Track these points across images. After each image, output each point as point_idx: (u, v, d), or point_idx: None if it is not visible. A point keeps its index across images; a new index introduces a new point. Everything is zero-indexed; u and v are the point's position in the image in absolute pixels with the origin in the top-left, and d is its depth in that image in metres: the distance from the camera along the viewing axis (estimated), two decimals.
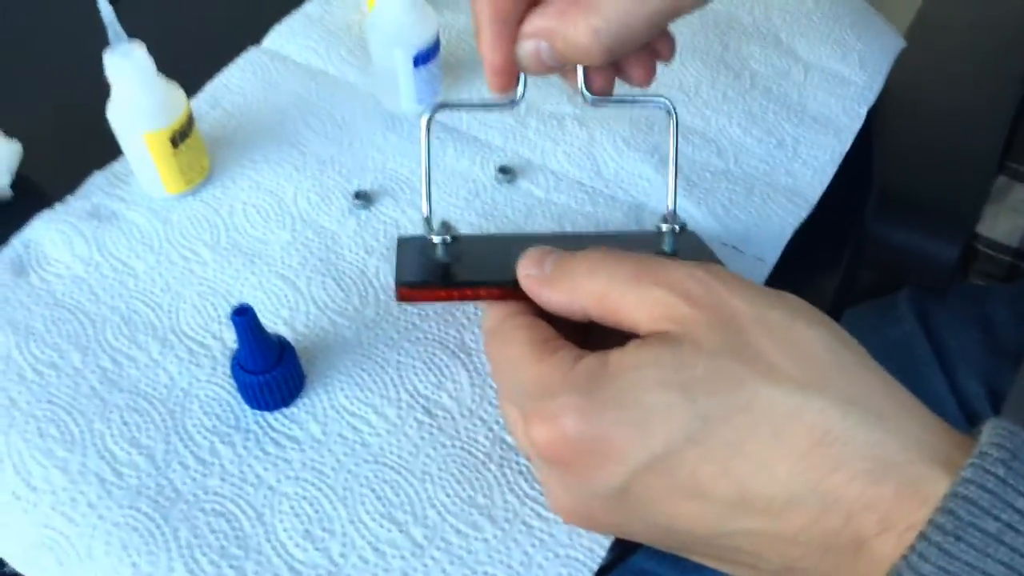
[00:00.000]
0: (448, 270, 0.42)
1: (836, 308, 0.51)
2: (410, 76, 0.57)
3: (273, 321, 0.49)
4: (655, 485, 0.32)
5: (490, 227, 0.53)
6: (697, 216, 0.54)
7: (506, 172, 0.55)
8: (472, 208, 0.54)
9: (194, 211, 0.54)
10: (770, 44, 0.64)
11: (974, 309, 0.74)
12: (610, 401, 0.32)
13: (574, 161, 0.57)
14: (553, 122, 0.59)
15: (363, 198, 0.54)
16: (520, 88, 0.40)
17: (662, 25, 0.37)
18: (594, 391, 0.32)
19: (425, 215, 0.42)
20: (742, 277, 0.34)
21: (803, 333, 0.32)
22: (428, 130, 0.41)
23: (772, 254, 0.52)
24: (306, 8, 0.66)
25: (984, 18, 0.79)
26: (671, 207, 0.43)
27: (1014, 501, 0.28)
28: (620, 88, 0.41)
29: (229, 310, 0.49)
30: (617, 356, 0.33)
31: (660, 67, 0.41)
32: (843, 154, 0.57)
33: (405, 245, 0.45)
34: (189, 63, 0.62)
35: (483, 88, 0.61)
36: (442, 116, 0.59)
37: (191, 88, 0.60)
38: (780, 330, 0.32)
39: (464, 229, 0.53)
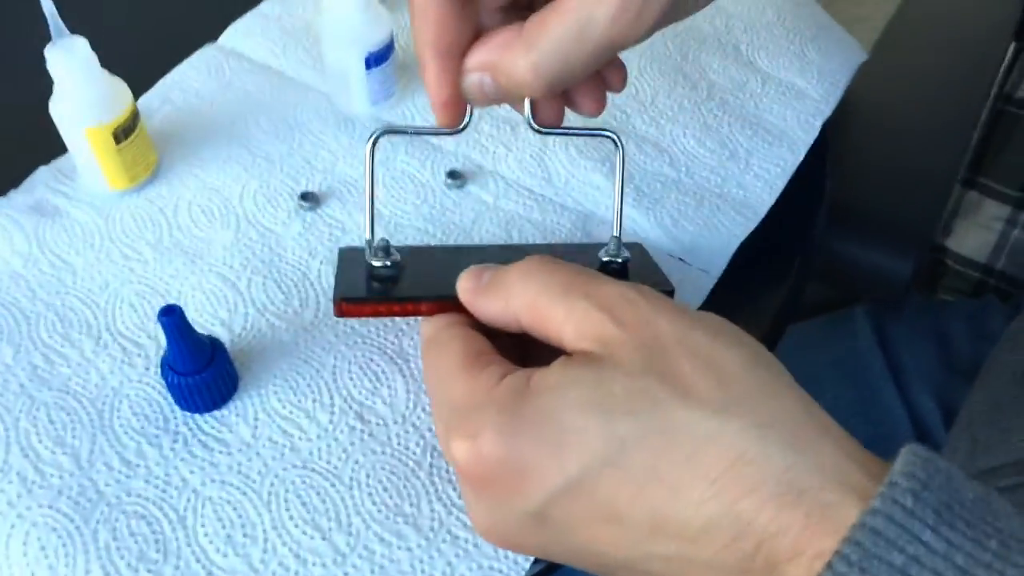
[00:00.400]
0: (388, 284, 0.42)
1: (780, 323, 0.51)
2: (363, 77, 0.57)
3: (210, 322, 0.48)
4: (572, 509, 0.32)
5: (437, 232, 0.53)
6: (645, 226, 0.53)
7: (455, 177, 0.55)
8: (420, 213, 0.54)
9: (138, 208, 0.53)
10: (730, 55, 0.64)
11: (931, 324, 0.74)
12: (528, 421, 0.32)
13: (526, 168, 0.56)
14: (507, 128, 0.58)
15: (310, 199, 0.54)
16: (466, 116, 0.40)
17: (604, 59, 0.37)
18: (514, 410, 0.32)
19: (367, 239, 0.42)
20: (670, 299, 0.34)
21: (724, 354, 0.32)
22: (372, 155, 0.41)
23: (717, 266, 0.52)
24: (263, 7, 0.66)
25: (955, 35, 0.79)
26: (616, 234, 0.43)
27: (920, 533, 0.28)
28: (569, 117, 0.41)
29: None
30: (540, 375, 0.33)
31: None
32: (795, 166, 0.57)
33: (346, 257, 0.45)
34: (143, 60, 0.62)
35: None
36: (394, 117, 0.59)
37: (143, 86, 0.60)
38: (702, 352, 0.32)
39: (410, 234, 0.53)
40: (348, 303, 0.41)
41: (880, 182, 0.64)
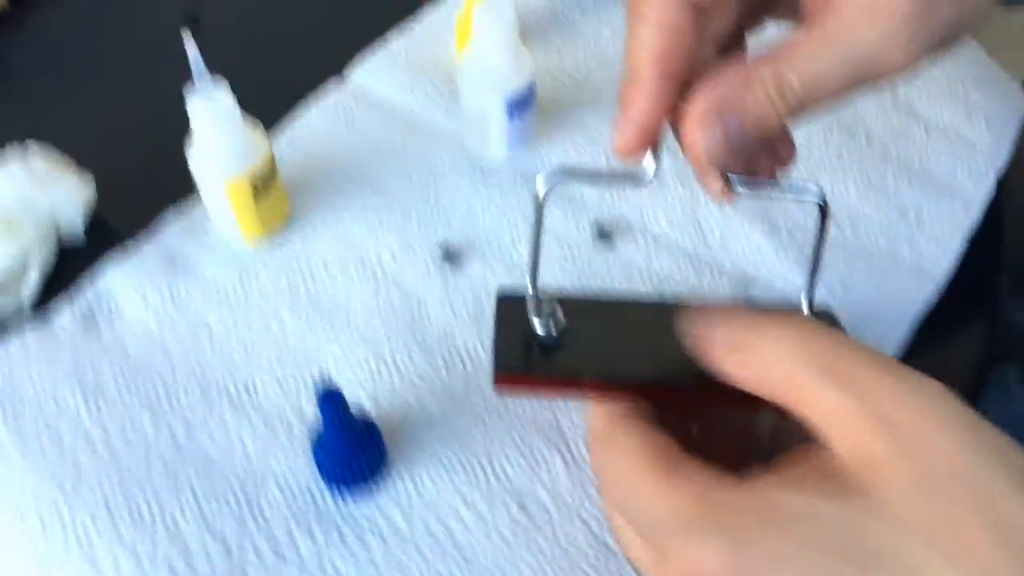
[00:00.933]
0: (556, 353, 0.38)
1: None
2: (503, 124, 0.53)
3: (355, 392, 0.46)
4: None
5: None
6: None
7: (604, 235, 0.52)
8: (566, 272, 0.51)
9: (273, 264, 0.51)
10: (887, 100, 0.59)
11: None
12: (765, 559, 0.28)
13: (676, 224, 0.53)
14: (654, 181, 0.55)
15: (450, 255, 0.51)
16: (653, 163, 0.35)
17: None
18: (744, 542, 0.28)
19: (530, 295, 0.39)
20: (953, 398, 0.28)
21: (1018, 503, 0.26)
22: (542, 204, 0.36)
23: (892, 340, 0.48)
24: (390, 45, 0.63)
25: None
26: (806, 310, 0.39)
27: None
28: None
29: (309, 379, 0.46)
30: (774, 495, 0.28)
31: None
32: (971, 227, 0.53)
33: (506, 310, 0.39)
34: (265, 95, 0.59)
35: (577, 136, 0.57)
36: (532, 165, 0.56)
37: (268, 123, 0.57)
38: (994, 502, 0.26)
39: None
40: (509, 375, 0.36)
41: None
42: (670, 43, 0.33)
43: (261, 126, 0.49)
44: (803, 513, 0.28)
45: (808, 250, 0.51)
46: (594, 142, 0.57)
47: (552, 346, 0.38)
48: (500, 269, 0.51)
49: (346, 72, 0.61)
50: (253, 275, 0.50)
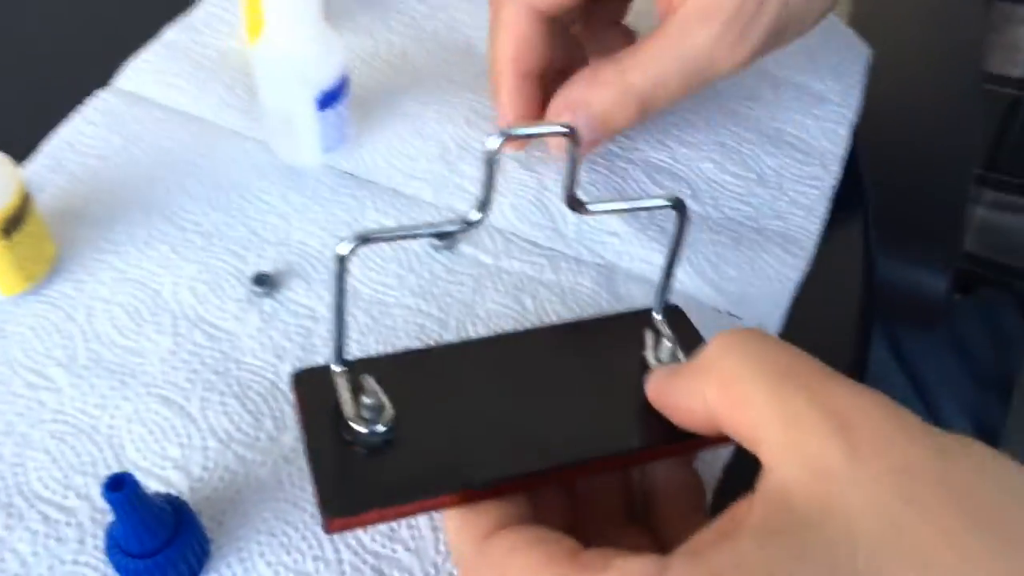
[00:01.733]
0: (392, 459, 0.29)
1: (859, 375, 0.43)
2: (314, 121, 0.45)
3: (159, 466, 0.37)
4: None
5: (432, 309, 0.42)
6: (681, 277, 0.44)
7: (443, 236, 0.45)
8: (405, 286, 0.43)
9: (38, 318, 0.41)
10: None
11: (945, 331, 0.68)
12: None
13: (525, 216, 0.46)
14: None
15: (265, 282, 0.42)
16: (479, 213, 0.29)
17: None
18: None
19: (340, 382, 0.31)
20: (912, 415, 0.24)
21: (1001, 500, 0.23)
22: (343, 271, 0.30)
23: (775, 317, 0.43)
24: (166, 36, 0.53)
25: (923, 17, 0.73)
26: (658, 316, 0.35)
27: None
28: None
29: (96, 455, 0.37)
30: (729, 555, 0.23)
31: None
32: (833, 186, 0.49)
33: (312, 406, 0.31)
34: (14, 119, 0.49)
35: (401, 127, 0.50)
36: (353, 166, 0.48)
37: (21, 152, 0.47)
38: (972, 499, 0.23)
39: (399, 315, 0.42)
40: (343, 521, 0.28)
41: (899, 191, 0.56)
42: (521, 48, 0.39)
43: (4, 156, 0.39)
44: (758, 567, 0.22)
45: (671, 228, 0.46)
46: (420, 133, 0.49)
47: (382, 450, 0.29)
48: (324, 290, 0.43)
49: (115, 79, 0.51)
50: (12, 334, 0.40)
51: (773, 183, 0.49)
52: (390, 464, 0.29)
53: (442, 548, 0.35)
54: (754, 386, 0.25)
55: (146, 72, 0.51)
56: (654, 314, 0.36)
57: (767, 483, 0.24)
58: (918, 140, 0.60)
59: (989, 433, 0.62)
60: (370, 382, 0.30)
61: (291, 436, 0.38)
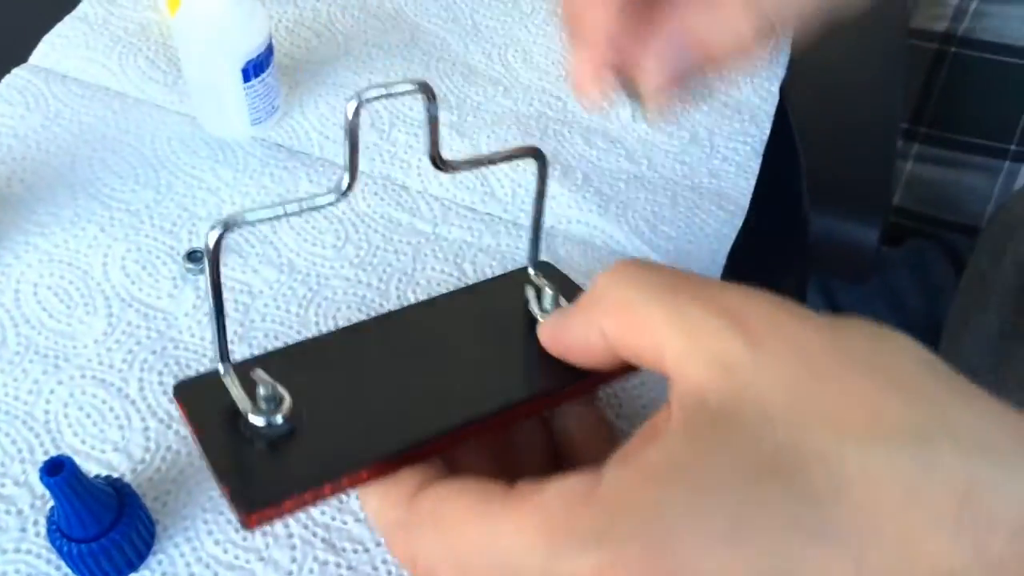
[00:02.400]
0: (297, 447, 0.28)
1: None
2: (240, 92, 0.44)
3: (99, 450, 0.36)
4: None
5: (372, 280, 0.42)
6: (619, 237, 0.45)
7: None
8: (344, 258, 0.43)
9: None
10: None
11: (877, 281, 0.70)
12: (677, 521, 0.22)
13: (461, 183, 0.46)
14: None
15: (199, 259, 0.42)
16: (348, 178, 0.29)
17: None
18: (648, 519, 0.23)
19: (229, 379, 0.29)
20: (789, 300, 0.26)
21: (895, 359, 0.24)
22: (216, 257, 0.28)
23: (712, 273, 0.44)
24: (82, 9, 0.52)
25: None
26: (532, 271, 0.35)
27: None
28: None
29: (32, 441, 0.36)
30: (658, 453, 0.23)
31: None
32: (763, 142, 0.50)
33: (201, 412, 0.29)
34: None
35: (331, 96, 0.49)
36: (283, 137, 0.47)
37: None
38: (872, 363, 0.24)
39: (340, 287, 0.42)
40: (259, 513, 0.27)
41: (828, 145, 0.58)
42: (617, 16, 0.34)
43: None
44: (687, 459, 0.23)
45: (607, 190, 0.47)
46: None
47: (286, 439, 0.28)
48: (263, 265, 0.42)
49: (32, 56, 0.49)
50: None
51: (706, 141, 0.49)
52: (297, 451, 0.28)
53: None
54: (648, 308, 0.26)
55: (63, 48, 0.50)
56: (529, 270, 0.36)
57: (679, 389, 0.25)
58: (846, 96, 0.61)
59: None
60: (262, 375, 0.29)
61: None
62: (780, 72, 0.53)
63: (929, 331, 0.66)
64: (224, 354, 0.29)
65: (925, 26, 0.80)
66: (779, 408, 0.23)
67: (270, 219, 0.28)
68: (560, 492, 0.24)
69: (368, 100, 0.28)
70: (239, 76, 0.43)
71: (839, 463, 0.23)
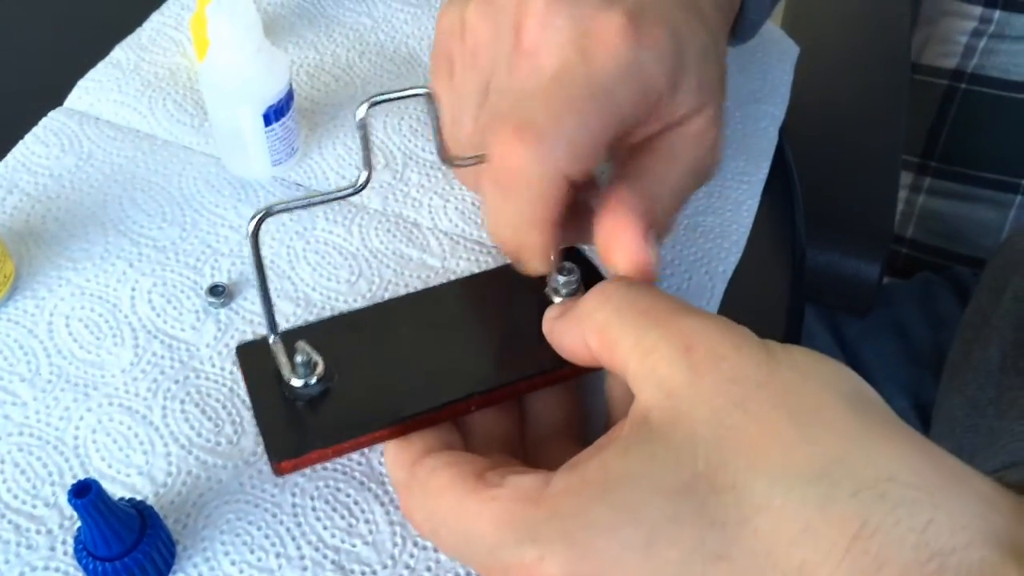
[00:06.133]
0: (328, 407, 0.34)
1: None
2: (261, 136, 0.47)
3: (124, 474, 0.38)
4: None
5: None
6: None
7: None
8: (356, 291, 0.45)
9: (0, 335, 0.42)
10: None
11: (884, 314, 0.71)
12: (601, 528, 0.26)
13: (469, 218, 0.48)
14: (437, 174, 0.50)
15: (220, 293, 0.44)
16: (366, 173, 0.34)
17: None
18: (572, 527, 0.26)
19: (274, 344, 0.35)
20: (751, 335, 0.28)
21: (820, 397, 0.27)
22: (256, 241, 0.34)
23: (708, 310, 0.46)
24: (115, 55, 0.55)
25: (851, 14, 0.76)
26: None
27: None
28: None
29: (62, 465, 0.38)
30: (597, 464, 0.27)
31: None
32: (763, 181, 0.52)
33: (255, 372, 0.36)
34: None
35: (349, 139, 0.52)
36: (302, 177, 0.50)
37: None
38: (796, 398, 0.27)
39: None
40: (289, 462, 0.33)
41: (828, 181, 0.59)
42: (556, 209, 0.34)
43: None
44: (620, 468, 0.27)
45: None
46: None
47: (320, 400, 0.34)
48: (279, 299, 0.44)
49: (67, 99, 0.52)
50: None
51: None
52: (327, 411, 0.34)
53: (399, 541, 0.37)
54: (621, 331, 0.29)
55: (96, 91, 0.52)
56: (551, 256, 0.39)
57: (634, 407, 0.28)
58: (846, 131, 0.63)
59: (926, 409, 0.65)
60: (302, 345, 0.34)
61: (250, 440, 0.40)
62: (781, 115, 0.55)
63: (934, 363, 0.67)
64: (272, 326, 0.35)
65: (936, 63, 0.81)
66: (705, 436, 0.26)
67: (300, 207, 0.34)
68: (515, 489, 0.28)
69: (376, 103, 0.32)
70: (260, 121, 0.46)
71: (748, 493, 0.25)
